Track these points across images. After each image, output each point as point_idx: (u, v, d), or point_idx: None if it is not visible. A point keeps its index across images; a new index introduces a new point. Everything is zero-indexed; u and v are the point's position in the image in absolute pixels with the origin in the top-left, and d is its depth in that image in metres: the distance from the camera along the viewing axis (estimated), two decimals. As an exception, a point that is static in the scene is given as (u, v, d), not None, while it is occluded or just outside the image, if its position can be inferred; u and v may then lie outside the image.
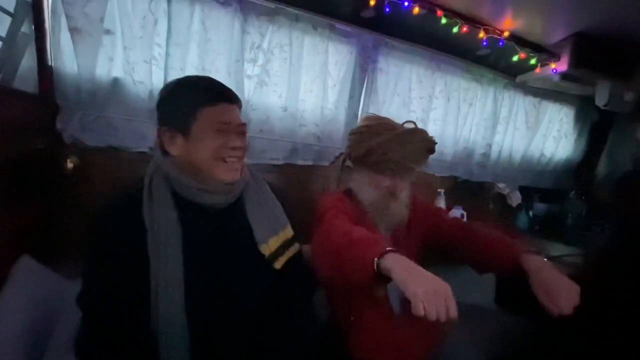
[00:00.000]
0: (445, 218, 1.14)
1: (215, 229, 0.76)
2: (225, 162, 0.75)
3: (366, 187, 1.04)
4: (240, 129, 0.78)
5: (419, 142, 0.98)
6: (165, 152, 0.75)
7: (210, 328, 0.72)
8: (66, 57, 1.12)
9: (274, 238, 0.82)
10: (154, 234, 0.69)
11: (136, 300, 0.67)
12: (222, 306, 0.73)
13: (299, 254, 0.88)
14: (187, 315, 0.69)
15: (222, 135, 0.73)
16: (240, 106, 0.80)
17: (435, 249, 1.07)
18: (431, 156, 1.07)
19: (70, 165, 1.14)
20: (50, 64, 1.11)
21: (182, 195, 0.74)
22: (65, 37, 1.10)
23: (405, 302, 0.99)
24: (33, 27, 1.04)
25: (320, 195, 1.11)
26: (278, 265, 0.81)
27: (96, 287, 0.68)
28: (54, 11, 1.08)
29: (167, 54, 1.25)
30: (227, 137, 0.74)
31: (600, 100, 1.99)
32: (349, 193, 1.08)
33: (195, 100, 0.72)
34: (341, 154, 1.16)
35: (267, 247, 0.80)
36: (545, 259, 0.86)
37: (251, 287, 0.78)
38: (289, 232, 0.86)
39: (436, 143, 1.01)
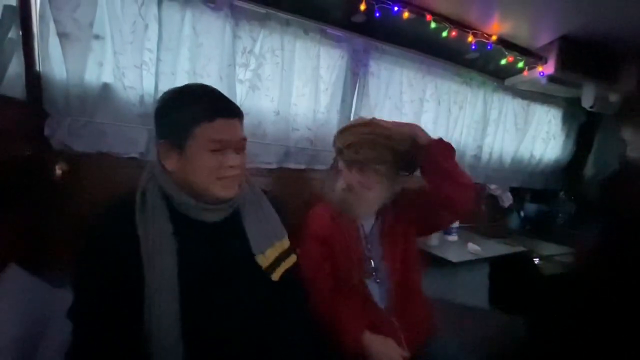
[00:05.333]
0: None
1: (211, 242, 0.74)
2: (222, 180, 0.71)
3: (336, 182, 1.09)
4: (240, 145, 0.74)
5: (365, 134, 1.01)
6: (162, 165, 0.72)
7: (205, 342, 0.70)
8: (55, 63, 1.10)
9: (271, 249, 0.80)
10: (148, 246, 0.67)
11: (129, 314, 0.65)
12: (217, 320, 0.71)
13: (296, 265, 0.86)
14: (182, 329, 0.67)
15: (218, 155, 0.70)
16: (241, 118, 0.75)
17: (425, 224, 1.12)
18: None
19: (59, 171, 1.12)
20: (38, 69, 1.09)
21: (178, 209, 0.72)
22: (53, 42, 1.08)
23: (389, 296, 1.03)
24: (20, 32, 1.03)
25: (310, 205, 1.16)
26: (275, 276, 0.79)
27: (88, 300, 0.66)
28: (42, 16, 1.06)
29: (158, 59, 1.24)
30: (224, 156, 0.70)
31: (587, 102, 2.04)
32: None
33: (191, 115, 0.68)
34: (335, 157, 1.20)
35: (264, 259, 0.78)
36: None
37: (248, 299, 0.76)
38: (285, 242, 0.84)
39: (401, 142, 1.02)
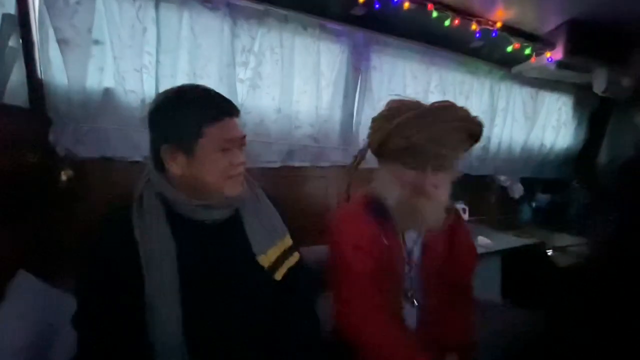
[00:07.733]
0: (468, 257, 1.04)
1: (211, 243, 0.74)
2: (231, 178, 0.72)
3: (389, 185, 0.87)
4: (243, 142, 0.75)
5: (451, 121, 0.79)
6: (158, 168, 0.72)
7: (209, 345, 0.70)
8: (56, 69, 1.11)
9: (272, 248, 0.79)
10: (147, 251, 0.67)
11: (132, 319, 0.65)
12: (220, 322, 0.71)
13: (299, 263, 0.85)
14: (185, 332, 0.67)
15: (228, 153, 0.70)
16: (239, 116, 0.75)
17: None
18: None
19: (64, 177, 1.13)
20: (40, 76, 1.10)
21: (179, 212, 0.72)
22: (53, 49, 1.09)
23: (425, 321, 0.93)
24: (20, 40, 1.04)
25: (337, 206, 1.05)
26: (278, 276, 0.78)
27: (90, 308, 0.66)
28: (41, 23, 1.07)
29: (158, 62, 1.24)
30: (233, 154, 0.71)
31: (598, 87, 1.97)
32: (371, 197, 0.93)
33: (199, 117, 0.67)
34: (361, 151, 1.00)
35: (266, 258, 0.77)
36: None
37: (251, 300, 0.75)
38: (287, 241, 0.83)
39: (481, 125, 0.83)
